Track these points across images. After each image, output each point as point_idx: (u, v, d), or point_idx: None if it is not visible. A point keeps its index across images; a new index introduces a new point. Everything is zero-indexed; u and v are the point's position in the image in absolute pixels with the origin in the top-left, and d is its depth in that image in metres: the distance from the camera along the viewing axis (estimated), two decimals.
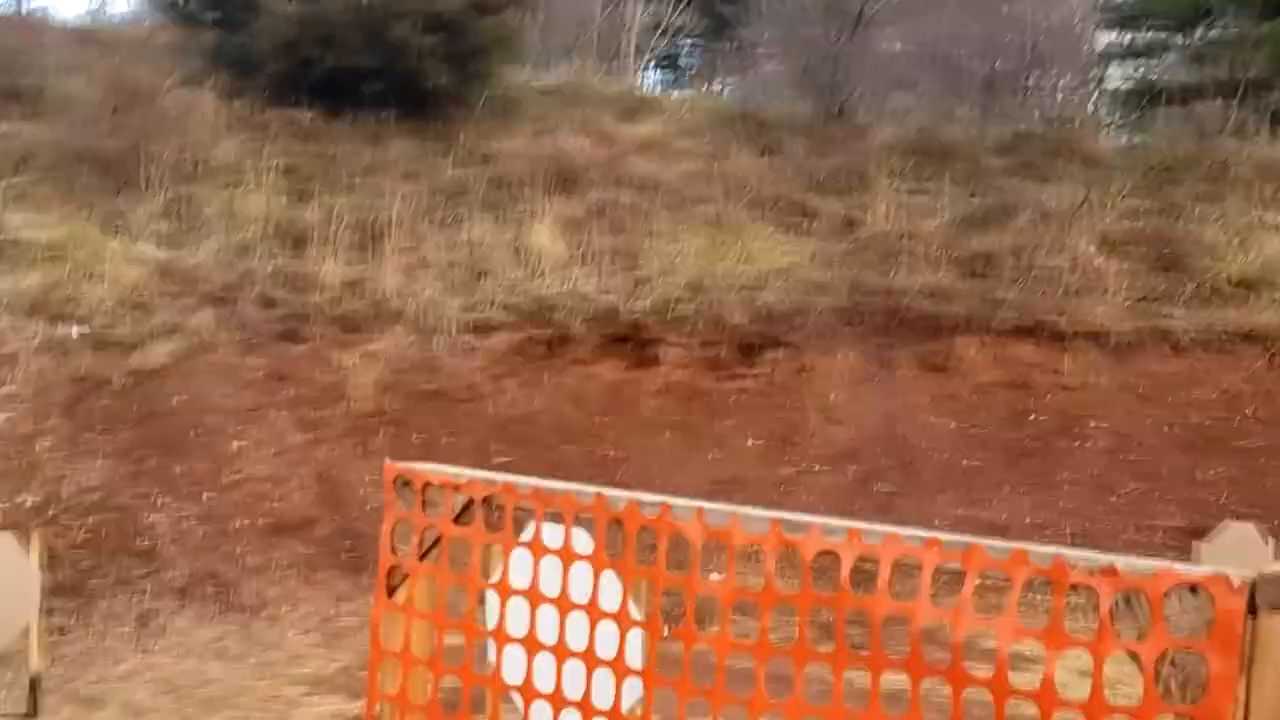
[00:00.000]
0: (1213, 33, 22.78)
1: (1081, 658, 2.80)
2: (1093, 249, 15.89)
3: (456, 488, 4.49)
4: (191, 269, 14.01)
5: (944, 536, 3.42)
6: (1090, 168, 17.36)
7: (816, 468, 13.06)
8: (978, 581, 2.96)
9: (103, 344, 12.59)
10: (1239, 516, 11.29)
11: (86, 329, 12.68)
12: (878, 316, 14.66)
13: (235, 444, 11.99)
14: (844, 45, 19.62)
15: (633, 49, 22.62)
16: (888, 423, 13.63)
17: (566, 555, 4.37)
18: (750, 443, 13.55)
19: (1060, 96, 20.80)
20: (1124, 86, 23.76)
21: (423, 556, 4.53)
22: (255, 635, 9.92)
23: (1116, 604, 2.37)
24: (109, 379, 12.29)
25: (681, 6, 23.21)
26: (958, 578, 3.26)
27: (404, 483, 4.63)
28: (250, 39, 17.13)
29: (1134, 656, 2.53)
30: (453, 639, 4.63)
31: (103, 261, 13.58)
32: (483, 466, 12.32)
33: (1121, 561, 2.34)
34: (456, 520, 4.44)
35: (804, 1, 20.45)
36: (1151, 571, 2.25)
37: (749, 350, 14.47)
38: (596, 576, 4.33)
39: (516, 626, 4.33)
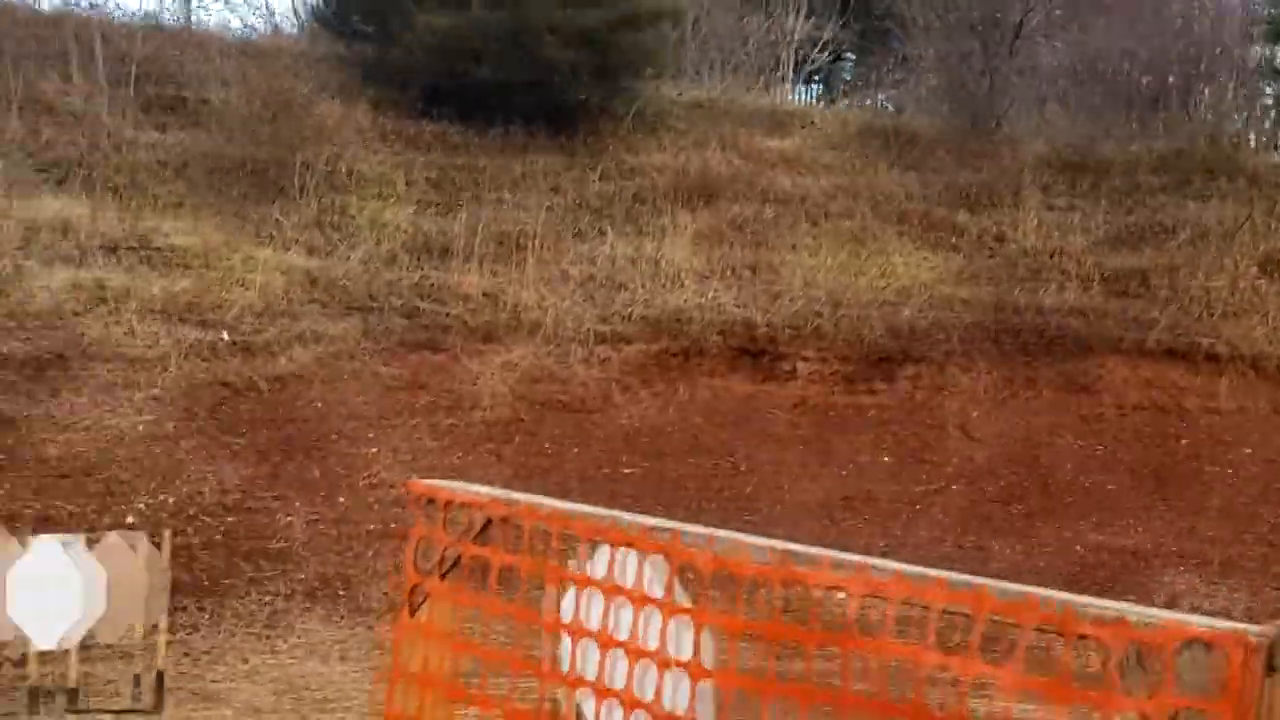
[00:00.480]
0: None
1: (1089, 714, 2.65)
2: (1254, 270, 15.33)
3: (478, 507, 4.45)
4: (337, 278, 14.34)
5: (950, 576, 3.26)
6: (1253, 186, 16.74)
7: (952, 487, 12.81)
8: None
9: (247, 349, 12.97)
10: None
11: (229, 335, 13.08)
12: (1021, 334, 14.35)
13: (370, 450, 12.24)
14: (1000, 58, 19.22)
15: (787, 62, 22.48)
16: (1027, 443, 13.31)
17: (610, 589, 4.11)
18: (884, 459, 13.37)
19: (1223, 112, 20.05)
20: None
21: (443, 576, 4.52)
22: (378, 639, 10.09)
23: (1127, 659, 2.23)
24: (252, 384, 12.64)
25: (838, 20, 23.00)
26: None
27: (429, 500, 4.60)
28: (403, 52, 17.48)
29: (1143, 716, 2.38)
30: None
31: (252, 269, 13.99)
32: (610, 478, 12.43)
33: (1133, 612, 2.21)
34: (476, 539, 4.41)
35: (962, 14, 20.07)
36: (1162, 624, 2.11)
37: (886, 366, 14.28)
38: (637, 610, 4.04)
39: (565, 661, 4.23)
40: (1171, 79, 20.70)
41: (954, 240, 16.00)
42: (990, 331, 14.45)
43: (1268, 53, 23.27)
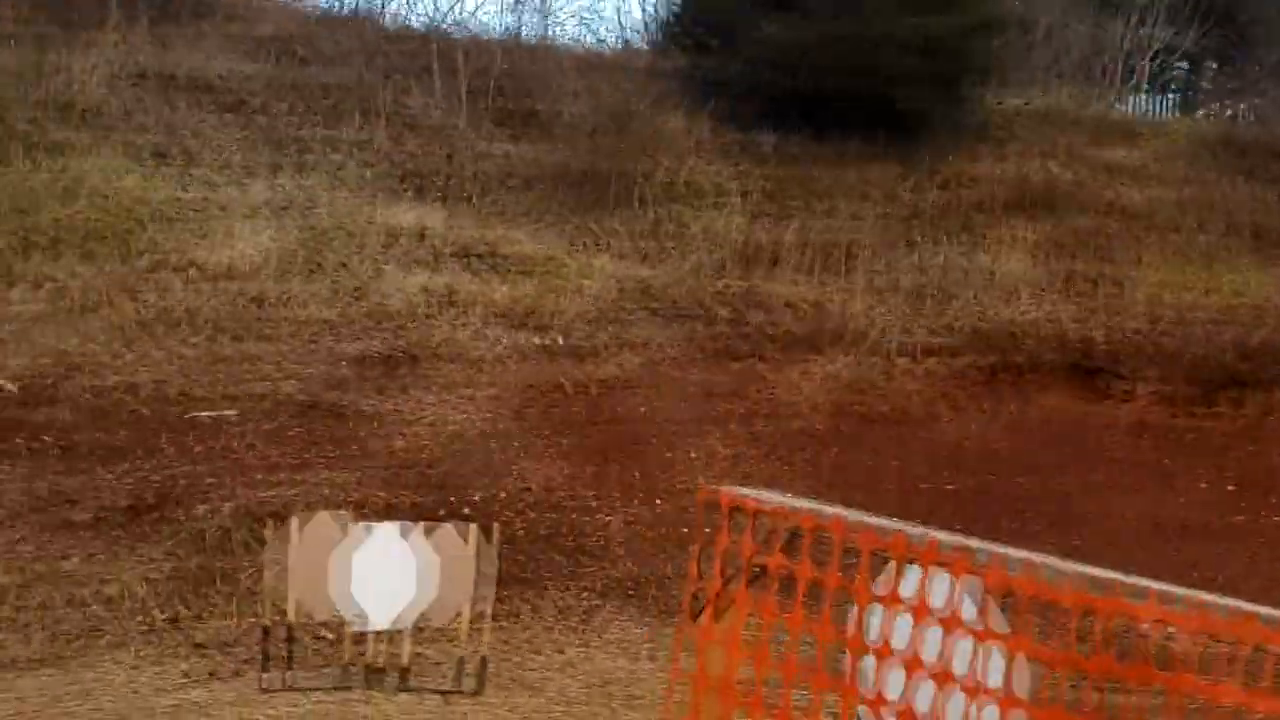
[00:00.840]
0: None
1: None
2: None
3: (787, 517, 4.47)
4: (668, 285, 14.78)
5: (1266, 612, 3.10)
6: None
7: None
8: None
9: (579, 354, 13.55)
10: None
11: (563, 339, 13.70)
12: None
13: (690, 454, 12.57)
14: None
15: (1142, 71, 21.67)
16: None
17: (920, 611, 4.05)
18: (1227, 487, 12.74)
19: None
20: None
21: (749, 584, 4.59)
22: (687, 639, 10.36)
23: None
24: (582, 387, 13.20)
25: (1199, 28, 21.96)
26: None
27: (736, 508, 4.67)
28: (745, 65, 17.81)
29: None
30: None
31: (588, 276, 14.61)
32: (931, 493, 12.32)
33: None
34: (783, 550, 4.44)
35: None
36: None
37: (1234, 389, 13.60)
38: (948, 633, 3.99)
39: (869, 679, 4.17)
40: None
41: None
42: None
43: None
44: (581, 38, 36.91)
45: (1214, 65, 25.48)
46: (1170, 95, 25.69)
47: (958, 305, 14.49)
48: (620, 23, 44.30)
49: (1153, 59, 21.41)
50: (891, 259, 15.20)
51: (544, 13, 25.97)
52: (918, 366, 13.80)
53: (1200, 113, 23.14)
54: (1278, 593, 10.94)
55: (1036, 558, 3.89)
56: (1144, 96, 22.87)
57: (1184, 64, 22.50)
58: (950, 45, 17.27)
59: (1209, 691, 3.02)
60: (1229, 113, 23.69)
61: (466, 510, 11.19)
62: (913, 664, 4.07)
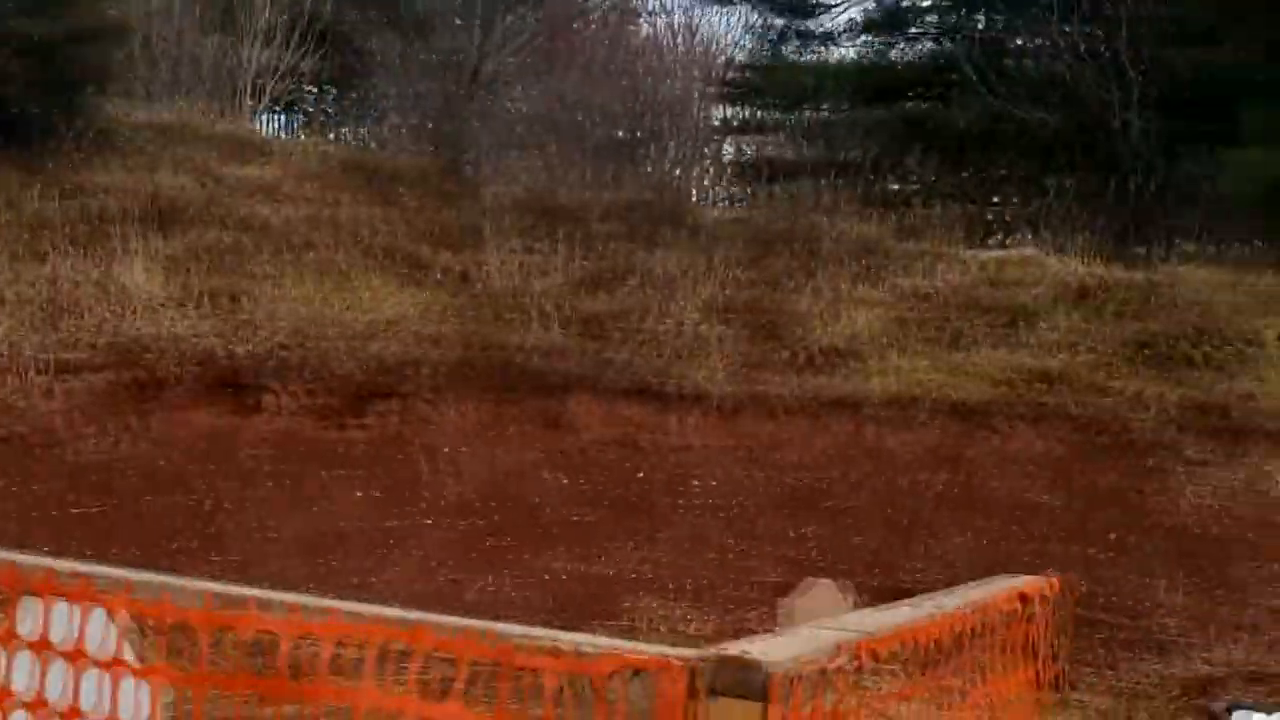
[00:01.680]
0: (817, 114, 24.20)
1: None
2: (697, 315, 16.38)
3: None
4: None
5: (389, 613, 3.16)
6: (697, 237, 17.96)
7: (428, 522, 12.76)
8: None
9: None
10: (826, 573, 11.78)
11: None
12: (493, 372, 14.58)
13: None
14: (463, 102, 19.59)
15: (259, 90, 21.81)
16: (502, 477, 13.51)
17: (40, 647, 3.63)
18: (359, 495, 13.12)
19: (674, 167, 21.50)
20: (735, 160, 24.86)
21: None
22: None
23: (561, 688, 2.23)
24: None
25: (305, 51, 22.61)
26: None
27: None
28: None
29: None
30: None
31: None
32: (57, 520, 11.38)
33: (570, 642, 2.21)
34: None
35: (423, 56, 20.32)
36: (598, 653, 2.12)
37: (361, 401, 14.07)
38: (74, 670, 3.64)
39: None
40: (628, 133, 21.94)
41: (425, 277, 16.07)
42: (461, 368, 14.58)
43: (721, 113, 25.21)
44: None
45: (331, 90, 26.42)
46: (298, 116, 26.28)
47: (94, 320, 13.63)
48: None
49: (280, 79, 21.70)
50: (19, 271, 13.91)
51: None
52: (57, 384, 12.73)
53: (331, 135, 23.86)
54: (413, 591, 11.50)
55: (169, 579, 3.66)
56: (274, 116, 23.16)
57: (298, 86, 23.06)
58: (62, 51, 16.26)
59: (348, 697, 3.06)
60: (345, 136, 24.69)
61: None
62: (37, 705, 3.65)
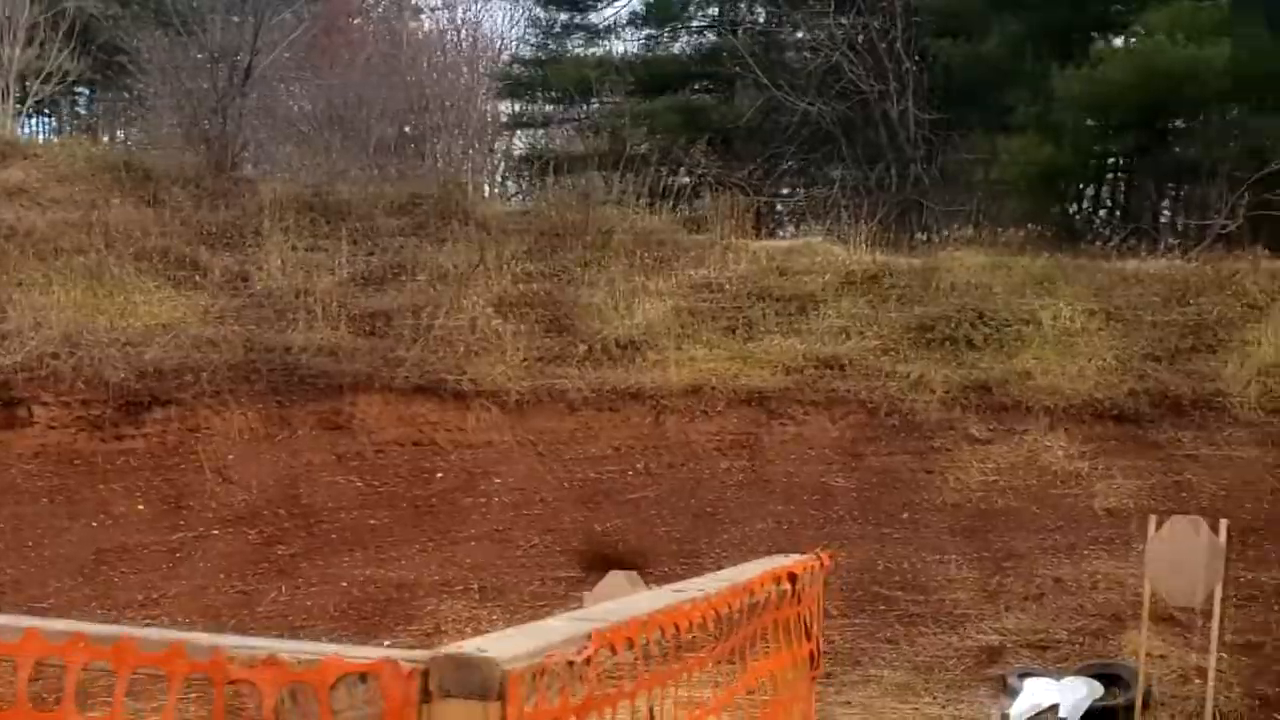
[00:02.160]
0: (597, 107, 24.18)
1: None
2: (489, 310, 16.14)
3: None
4: None
5: (90, 629, 2.95)
6: (484, 231, 17.70)
7: (213, 532, 12.27)
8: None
9: None
10: (626, 565, 11.70)
11: None
12: (275, 374, 14.10)
13: None
14: (235, 99, 18.95)
15: (10, 92, 20.72)
16: (289, 483, 13.08)
17: None
18: (140, 507, 12.54)
19: (459, 162, 21.18)
20: (520, 154, 24.66)
21: None
22: None
23: (283, 699, 2.06)
24: None
25: (70, 52, 21.60)
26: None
27: None
28: None
29: None
30: None
31: None
32: None
33: (286, 650, 2.04)
34: None
35: (192, 53, 19.59)
36: (319, 661, 1.97)
37: (135, 409, 13.44)
38: None
39: None
40: (407, 128, 21.56)
41: (198, 279, 15.46)
42: (242, 372, 14.06)
43: (507, 107, 24.97)
44: None
45: (103, 90, 25.35)
46: (63, 118, 25.13)
47: None
48: None
49: (44, 81, 20.67)
50: None
51: None
52: None
53: (81, 137, 22.82)
54: (199, 603, 11.04)
55: None
56: (39, 118, 22.05)
57: (80, 88, 22.04)
58: None
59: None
60: (106, 137, 23.67)
61: None
62: None
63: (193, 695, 2.23)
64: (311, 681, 1.90)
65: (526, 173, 24.81)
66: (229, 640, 2.12)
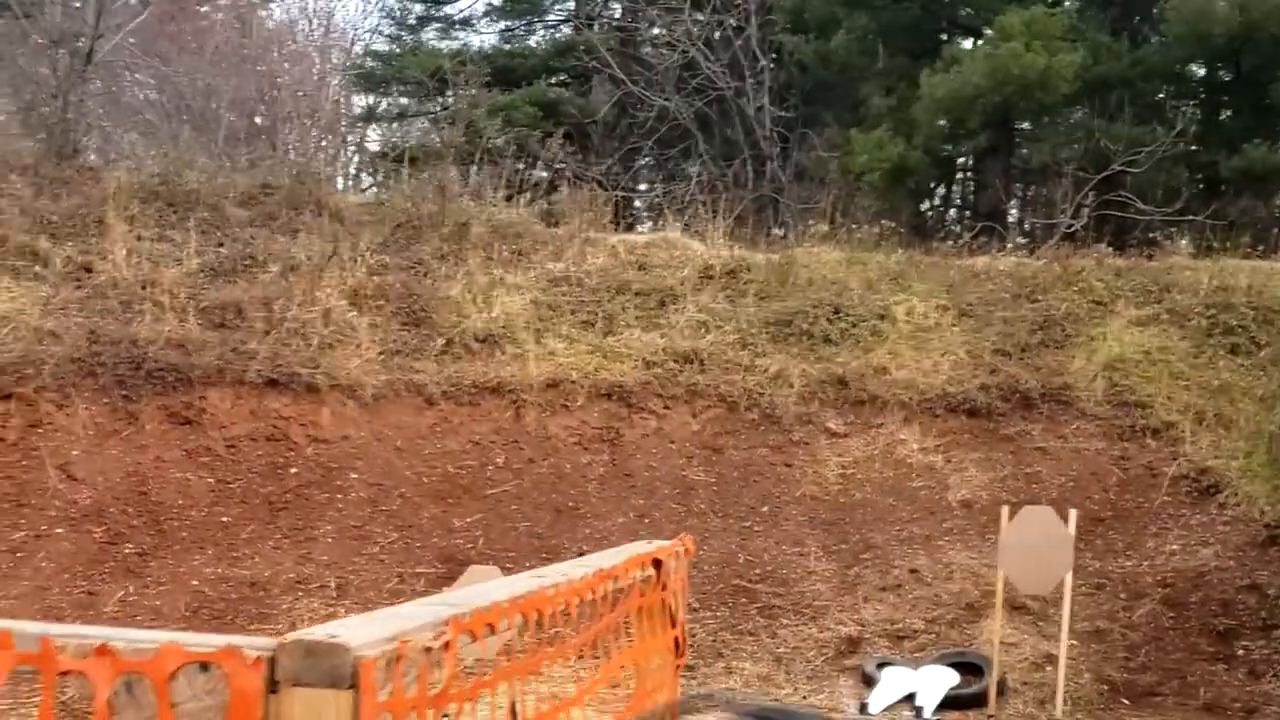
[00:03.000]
0: (458, 99, 23.93)
1: None
2: (344, 303, 15.82)
3: None
4: None
5: None
6: (338, 222, 17.35)
7: (56, 531, 11.80)
8: None
9: None
10: (490, 560, 11.57)
11: None
12: (120, 368, 13.62)
13: None
14: (76, 85, 18.31)
15: None
16: (136, 479, 12.65)
17: None
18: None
19: (312, 153, 20.76)
20: (374, 146, 24.30)
21: None
22: None
23: (118, 692, 1.94)
24: None
25: None
26: None
27: None
28: None
29: None
30: None
31: None
32: None
33: (121, 638, 1.92)
34: None
35: (31, 36, 18.89)
36: (155, 649, 1.85)
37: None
38: None
39: None
40: (258, 119, 21.10)
41: (39, 270, 14.88)
42: (86, 365, 13.56)
43: (361, 99, 24.57)
44: None
45: None
46: None
47: None
48: None
49: None
50: None
51: None
52: None
53: None
54: (41, 604, 10.62)
55: None
56: None
57: None
58: None
59: None
60: None
61: None
62: None
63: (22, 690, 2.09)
64: (148, 672, 1.77)
65: (383, 164, 24.46)
66: (59, 629, 1.97)
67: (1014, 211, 25.91)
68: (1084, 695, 11.01)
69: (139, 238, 15.71)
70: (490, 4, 28.99)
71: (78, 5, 19.00)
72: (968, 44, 25.10)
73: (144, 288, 14.85)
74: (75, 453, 12.73)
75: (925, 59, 22.66)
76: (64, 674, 1.89)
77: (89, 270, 15.05)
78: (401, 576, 12.17)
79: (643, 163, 27.60)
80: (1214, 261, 16.80)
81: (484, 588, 2.15)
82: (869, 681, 11.07)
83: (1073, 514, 10.57)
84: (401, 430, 14.26)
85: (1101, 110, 22.27)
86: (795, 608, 12.23)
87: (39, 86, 18.19)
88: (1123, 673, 11.34)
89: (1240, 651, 11.55)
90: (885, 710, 10.70)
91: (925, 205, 26.10)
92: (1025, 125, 24.33)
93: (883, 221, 19.23)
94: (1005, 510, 10.71)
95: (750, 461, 14.24)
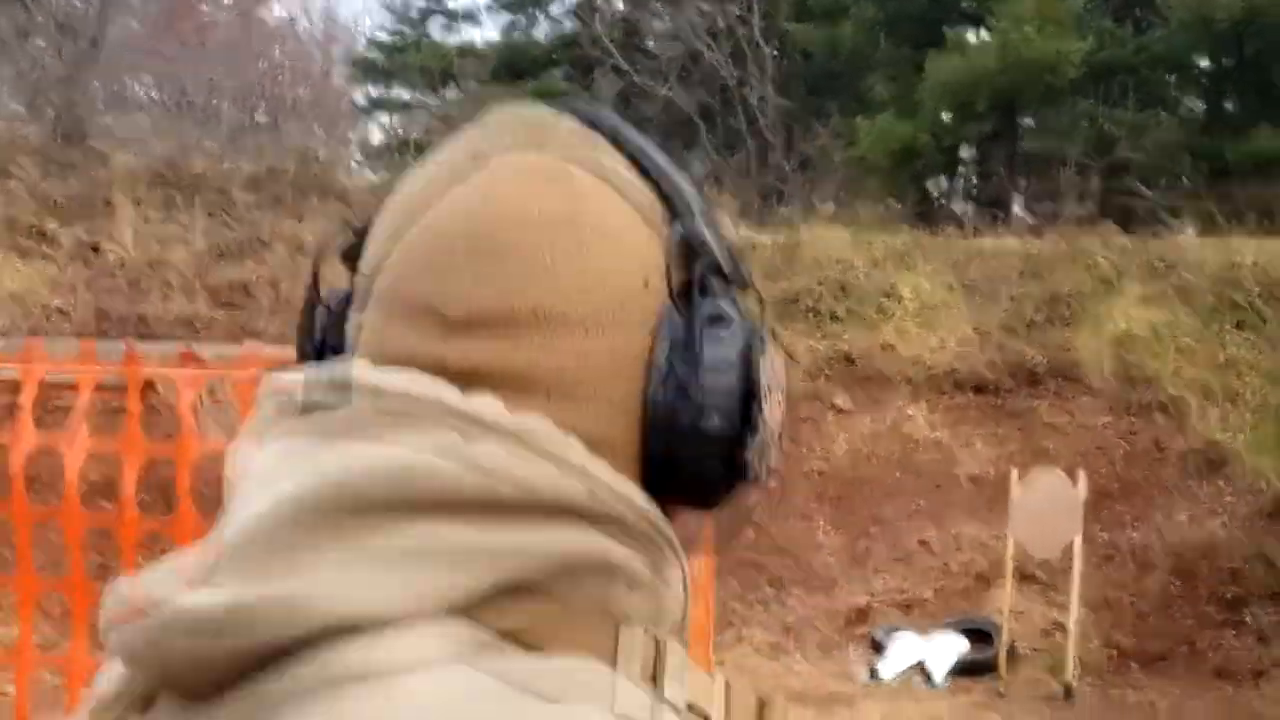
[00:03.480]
0: (461, 92, 23.99)
1: None
2: None
3: None
4: None
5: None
6: (345, 205, 17.34)
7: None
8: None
9: None
10: None
11: None
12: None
13: None
14: (85, 70, 18.37)
15: None
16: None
17: None
18: None
19: (314, 138, 20.80)
20: (380, 135, 24.36)
21: None
22: None
23: (201, 399, 1.95)
24: None
25: None
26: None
27: None
28: None
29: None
30: None
31: None
32: None
33: (207, 349, 1.94)
34: None
35: (38, 21, 18.96)
36: (237, 356, 1.86)
37: None
38: None
39: None
40: (259, 115, 21.17)
41: (47, 250, 14.90)
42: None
43: (365, 92, 24.63)
44: None
45: None
46: None
47: None
48: None
49: None
50: None
51: None
52: None
53: None
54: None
55: None
56: None
57: None
58: None
59: None
60: None
61: None
62: None
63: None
64: (231, 378, 1.76)
65: (386, 158, 24.50)
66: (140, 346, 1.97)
67: (1019, 198, 25.92)
68: (1093, 660, 11.01)
69: (146, 220, 15.73)
70: None
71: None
72: (971, 35, 25.14)
73: (152, 267, 14.87)
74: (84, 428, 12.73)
75: (930, 48, 22.69)
76: (148, 384, 1.89)
77: (96, 250, 15.07)
78: None
79: None
80: (1220, 239, 16.79)
81: None
82: (879, 648, 11.08)
83: (1082, 475, 10.58)
84: None
85: (1106, 97, 22.30)
86: (804, 579, 12.23)
87: (46, 71, 18.23)
88: (1132, 639, 11.34)
89: (1249, 619, 11.55)
90: (896, 676, 10.71)
91: (930, 187, 26.12)
92: (1030, 112, 24.37)
93: (887, 202, 19.27)
94: (1015, 473, 10.72)
95: None
